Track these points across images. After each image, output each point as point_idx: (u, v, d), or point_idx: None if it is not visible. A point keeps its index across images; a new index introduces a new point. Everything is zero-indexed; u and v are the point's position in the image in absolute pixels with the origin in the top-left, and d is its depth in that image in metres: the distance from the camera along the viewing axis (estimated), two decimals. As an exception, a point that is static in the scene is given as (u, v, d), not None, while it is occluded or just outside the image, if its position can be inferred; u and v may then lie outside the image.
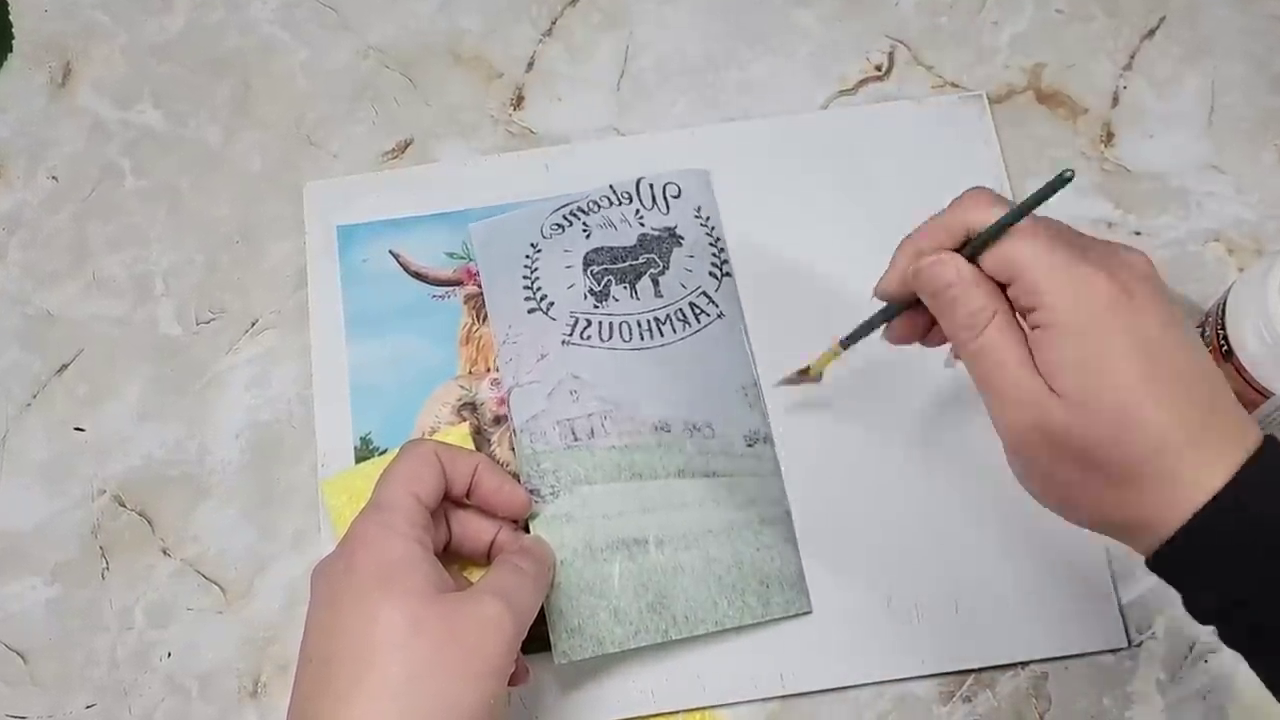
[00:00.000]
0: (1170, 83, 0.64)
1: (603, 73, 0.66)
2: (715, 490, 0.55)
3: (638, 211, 0.61)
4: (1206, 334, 0.51)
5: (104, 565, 0.57)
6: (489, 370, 0.58)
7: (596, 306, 0.59)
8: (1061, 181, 0.41)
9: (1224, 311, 0.50)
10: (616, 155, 0.63)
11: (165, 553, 0.57)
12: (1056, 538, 0.52)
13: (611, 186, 0.62)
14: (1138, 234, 0.61)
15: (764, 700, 0.54)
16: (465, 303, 0.60)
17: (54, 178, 0.65)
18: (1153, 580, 0.43)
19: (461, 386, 0.58)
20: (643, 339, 0.58)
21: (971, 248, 0.43)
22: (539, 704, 0.53)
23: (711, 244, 0.61)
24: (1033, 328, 0.42)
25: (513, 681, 0.47)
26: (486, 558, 0.52)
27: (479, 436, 0.57)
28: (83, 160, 0.65)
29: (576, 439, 0.56)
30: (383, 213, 0.62)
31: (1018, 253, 0.42)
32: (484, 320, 0.59)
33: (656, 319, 0.59)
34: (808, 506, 0.56)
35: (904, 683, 0.54)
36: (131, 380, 0.60)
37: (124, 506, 0.58)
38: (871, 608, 0.54)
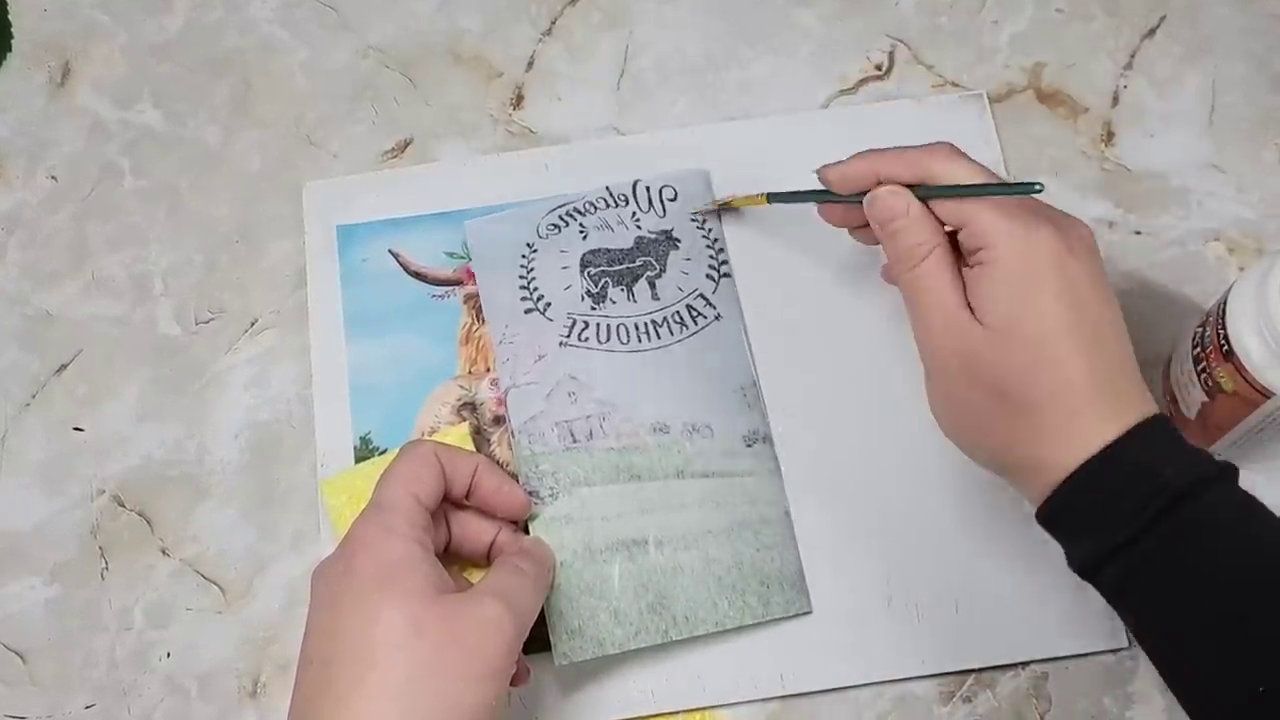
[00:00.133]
0: (1171, 82, 0.64)
1: (603, 72, 0.66)
2: (715, 490, 0.55)
3: (634, 214, 0.61)
4: (1207, 333, 0.51)
5: (103, 565, 0.57)
6: (489, 370, 0.58)
7: (594, 308, 0.59)
8: (1028, 187, 0.45)
9: (1224, 311, 0.50)
10: (616, 155, 0.63)
11: (164, 553, 0.57)
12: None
13: (608, 188, 0.62)
14: (1138, 233, 0.61)
15: (764, 700, 0.54)
16: (465, 302, 0.60)
17: (53, 177, 0.65)
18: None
19: (461, 386, 0.58)
20: (640, 341, 0.58)
21: (925, 191, 0.47)
22: (539, 704, 0.53)
23: (709, 245, 0.61)
24: (975, 265, 0.45)
25: (513, 682, 0.47)
26: (486, 559, 0.52)
27: (479, 436, 0.57)
28: (82, 160, 0.65)
29: (575, 441, 0.56)
30: (382, 212, 0.62)
31: (974, 207, 0.45)
32: (483, 320, 0.59)
33: (653, 321, 0.58)
34: (808, 506, 0.56)
35: (904, 683, 0.54)
36: (131, 380, 0.60)
37: (123, 506, 0.58)
38: (871, 608, 0.54)
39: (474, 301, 0.60)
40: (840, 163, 0.50)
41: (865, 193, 0.49)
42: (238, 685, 0.55)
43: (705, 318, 0.59)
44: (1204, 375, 0.52)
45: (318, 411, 0.58)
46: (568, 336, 0.58)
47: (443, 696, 0.42)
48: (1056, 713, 0.53)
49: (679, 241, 0.60)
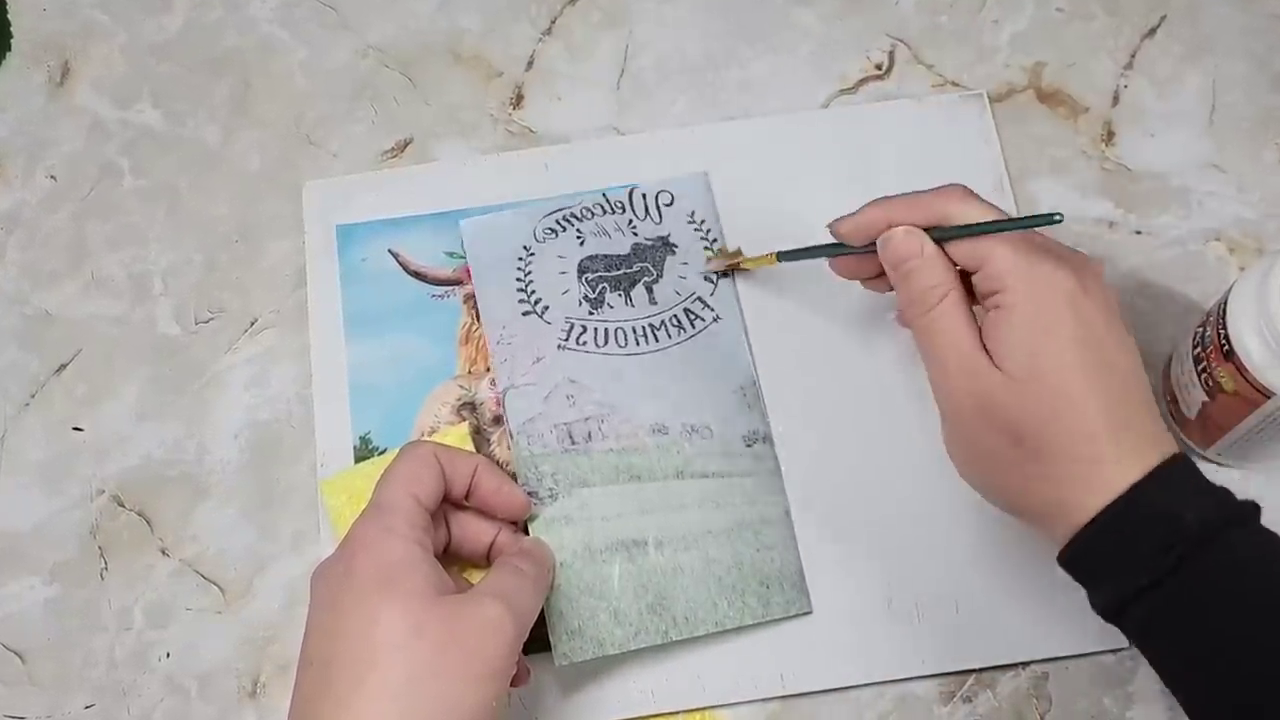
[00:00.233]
0: (1171, 82, 0.64)
1: (602, 72, 0.66)
2: (714, 491, 0.55)
3: (630, 221, 0.61)
4: (1207, 333, 0.51)
5: (103, 565, 0.57)
6: (488, 370, 0.58)
7: (591, 313, 0.59)
8: (1049, 220, 0.44)
9: (1225, 311, 0.50)
10: (616, 154, 0.63)
11: (164, 553, 0.57)
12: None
13: (605, 195, 0.61)
14: (1138, 233, 0.61)
15: (764, 700, 0.54)
16: (465, 302, 0.60)
17: (52, 177, 0.65)
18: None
19: (461, 386, 0.58)
20: (638, 344, 0.58)
21: (940, 233, 0.46)
22: (539, 705, 0.53)
23: (706, 248, 0.61)
24: (990, 309, 0.45)
25: (513, 683, 0.47)
26: (486, 559, 0.52)
27: (478, 436, 0.57)
28: (81, 160, 0.65)
29: (574, 443, 0.56)
30: (382, 212, 0.62)
31: (988, 245, 0.45)
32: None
33: (651, 325, 0.58)
34: (808, 506, 0.56)
35: (904, 683, 0.54)
36: (130, 380, 0.60)
37: (123, 506, 0.58)
38: (871, 608, 0.54)
39: (474, 301, 0.60)
40: (851, 214, 0.49)
41: (874, 244, 0.48)
42: (237, 685, 0.55)
43: (703, 320, 0.59)
44: (1204, 375, 0.52)
45: (317, 411, 0.58)
46: (565, 340, 0.58)
47: (443, 697, 0.42)
48: (1057, 713, 0.53)
49: (676, 246, 0.60)
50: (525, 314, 0.59)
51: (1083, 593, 0.44)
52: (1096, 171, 0.62)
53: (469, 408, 0.58)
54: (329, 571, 0.45)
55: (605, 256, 0.60)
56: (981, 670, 0.54)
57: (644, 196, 0.61)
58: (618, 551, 0.54)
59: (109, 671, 0.55)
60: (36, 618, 0.56)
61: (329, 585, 0.45)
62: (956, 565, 0.55)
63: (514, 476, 0.55)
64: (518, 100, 0.66)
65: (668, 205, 0.61)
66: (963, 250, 0.46)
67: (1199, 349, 0.52)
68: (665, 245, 0.60)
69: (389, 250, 0.61)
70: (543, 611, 0.51)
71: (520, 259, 0.60)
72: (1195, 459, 0.47)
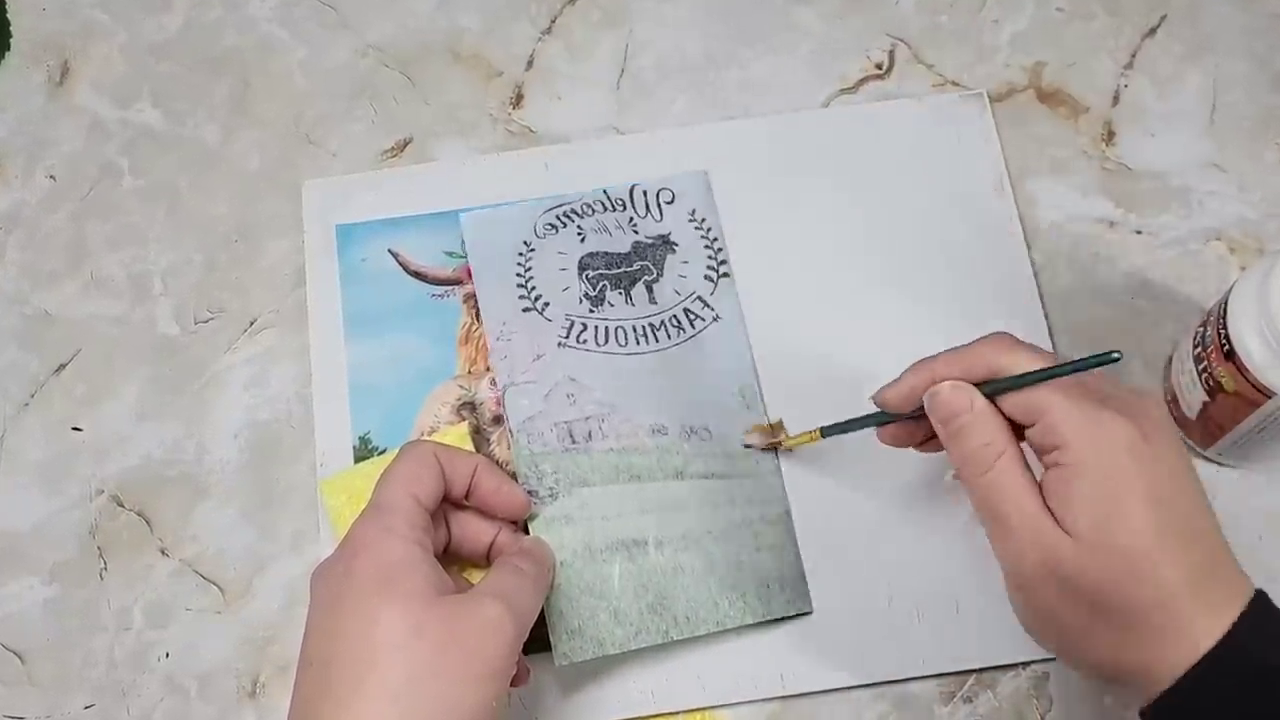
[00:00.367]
0: (1171, 81, 0.64)
1: (602, 71, 0.66)
2: (715, 491, 0.55)
3: (631, 219, 0.61)
4: (1208, 333, 0.51)
5: (102, 565, 0.57)
6: (488, 370, 0.58)
7: (592, 311, 0.59)
8: (1107, 359, 0.42)
9: (1225, 311, 0.50)
10: (616, 154, 0.63)
11: (164, 553, 0.57)
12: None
13: (605, 192, 0.61)
14: (1139, 233, 0.61)
15: (764, 700, 0.54)
16: (464, 302, 0.60)
17: (52, 177, 0.65)
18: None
19: (461, 386, 0.58)
20: (638, 344, 0.58)
21: (992, 387, 0.44)
22: (539, 705, 0.53)
23: (707, 246, 0.60)
24: (1051, 467, 0.42)
25: (513, 683, 0.47)
26: (486, 559, 0.52)
27: (478, 436, 0.57)
28: (81, 159, 0.65)
29: (574, 442, 0.56)
30: (382, 211, 0.62)
31: (1042, 396, 0.42)
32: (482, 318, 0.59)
33: (651, 325, 0.58)
34: (808, 506, 0.56)
35: (904, 683, 0.54)
36: (130, 380, 0.60)
37: (122, 506, 0.58)
38: (871, 608, 0.54)
39: (474, 301, 0.60)
40: (893, 382, 0.47)
41: (922, 408, 0.46)
42: (237, 685, 0.55)
43: (703, 320, 0.59)
44: (1205, 375, 0.52)
45: (317, 411, 0.58)
46: (566, 338, 0.58)
47: (443, 697, 0.42)
48: (1057, 713, 0.53)
49: (676, 245, 0.60)
50: (525, 310, 0.59)
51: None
52: (1097, 171, 0.62)
53: (469, 407, 0.58)
54: (329, 572, 0.45)
55: (606, 254, 0.60)
56: (982, 670, 0.54)
57: (645, 194, 0.61)
58: (618, 551, 0.54)
59: (108, 671, 0.55)
60: (36, 618, 0.56)
61: (329, 585, 0.45)
62: (956, 565, 0.54)
63: (514, 476, 0.55)
64: (517, 100, 0.66)
65: (669, 203, 0.61)
66: (1015, 403, 0.43)
67: (1199, 349, 0.52)
68: (666, 244, 0.60)
69: (389, 250, 0.61)
70: (543, 611, 0.51)
71: (520, 254, 0.60)
72: (1195, 459, 0.47)
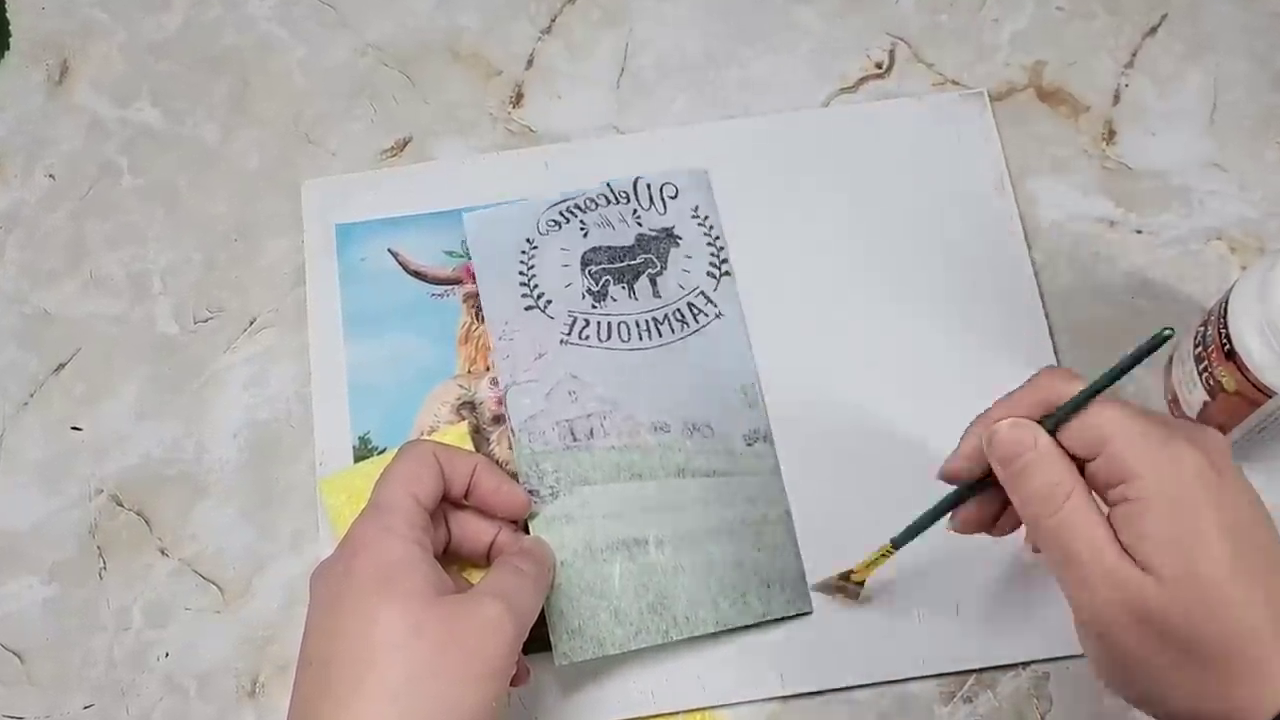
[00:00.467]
0: (1172, 80, 0.64)
1: (602, 70, 0.66)
2: (715, 490, 0.55)
3: (635, 212, 0.61)
4: (1208, 333, 0.51)
5: (101, 565, 0.57)
6: (488, 369, 0.58)
7: (594, 306, 0.59)
8: (1161, 340, 0.40)
9: (1226, 310, 0.50)
10: (616, 153, 0.63)
11: (163, 552, 0.57)
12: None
13: (609, 185, 0.61)
14: (1139, 232, 0.61)
15: (764, 700, 0.53)
16: (464, 301, 0.60)
17: (51, 176, 0.65)
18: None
19: (460, 385, 0.58)
20: (641, 339, 0.58)
21: (1054, 420, 0.42)
22: (539, 705, 0.53)
23: (710, 243, 0.60)
24: (1118, 502, 0.40)
25: (513, 683, 0.47)
26: (486, 559, 0.52)
27: (478, 436, 0.57)
28: (80, 158, 0.65)
29: (575, 439, 0.56)
30: (381, 211, 0.62)
31: (1105, 422, 0.41)
32: (482, 319, 0.59)
33: (654, 319, 0.58)
34: (808, 506, 0.56)
35: (904, 683, 0.54)
36: (129, 379, 0.60)
37: (122, 506, 0.58)
38: (871, 608, 0.54)
39: (473, 300, 0.60)
40: (954, 452, 0.45)
41: (988, 477, 0.44)
42: (236, 685, 0.55)
43: (706, 315, 0.59)
44: (1205, 374, 0.52)
45: (316, 411, 0.58)
46: (568, 334, 0.58)
47: (442, 697, 0.42)
48: (1058, 713, 0.53)
49: (680, 239, 0.60)
50: (528, 308, 0.59)
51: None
52: (1097, 170, 0.62)
53: (469, 407, 0.58)
54: (328, 571, 0.45)
55: (609, 248, 0.60)
56: (982, 670, 0.54)
57: (649, 186, 0.61)
58: (618, 550, 0.54)
59: (108, 671, 0.55)
60: (35, 617, 0.56)
61: (328, 585, 0.45)
62: (957, 565, 0.54)
63: (515, 475, 0.55)
64: (517, 99, 0.65)
65: (672, 198, 0.61)
66: (1076, 437, 0.41)
67: (1200, 348, 0.52)
68: (669, 237, 0.60)
69: (388, 249, 0.61)
70: (543, 611, 0.51)
71: (523, 252, 0.60)
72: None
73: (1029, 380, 0.44)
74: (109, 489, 0.58)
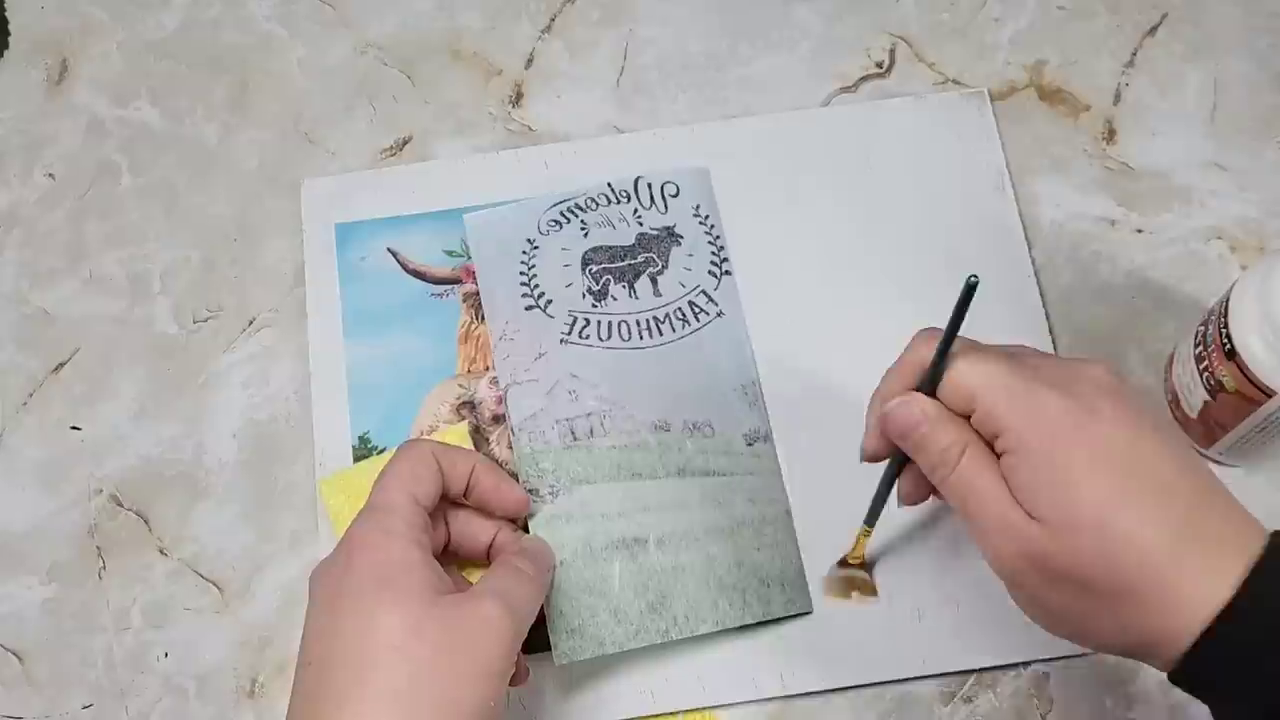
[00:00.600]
0: (1172, 80, 0.64)
1: (603, 70, 0.66)
2: (715, 489, 0.55)
3: (636, 210, 0.61)
4: (1209, 332, 0.51)
5: (100, 565, 0.57)
6: (488, 369, 0.58)
7: (595, 306, 0.58)
8: (969, 289, 0.41)
9: (1226, 310, 0.50)
10: (616, 153, 0.63)
11: (162, 552, 0.57)
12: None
13: (610, 184, 0.61)
14: (1140, 232, 0.61)
15: (764, 700, 0.53)
16: (464, 301, 0.60)
17: (50, 175, 0.64)
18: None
19: (460, 385, 0.58)
20: (641, 338, 0.58)
21: (926, 384, 0.43)
22: (539, 704, 0.53)
23: (711, 242, 0.60)
24: (1002, 454, 0.41)
25: (513, 682, 0.47)
26: (486, 558, 0.52)
27: (478, 435, 0.57)
28: (79, 158, 0.65)
29: (575, 439, 0.56)
30: (381, 210, 0.62)
31: (969, 380, 0.42)
32: (483, 319, 0.59)
33: (655, 318, 0.58)
34: (808, 506, 0.56)
35: (905, 683, 0.54)
36: (128, 379, 0.60)
37: (121, 506, 0.58)
38: (872, 608, 0.54)
39: (473, 300, 0.60)
40: (866, 433, 0.47)
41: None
42: (236, 685, 0.55)
43: (707, 314, 0.59)
44: (1206, 374, 0.52)
45: (316, 410, 0.58)
46: (569, 334, 0.58)
47: (442, 697, 0.42)
48: (1058, 713, 0.53)
49: (681, 238, 0.60)
50: (529, 308, 0.59)
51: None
52: (1098, 170, 0.62)
53: (468, 407, 0.58)
54: (327, 572, 0.45)
55: (609, 248, 0.60)
56: (982, 670, 0.54)
57: (650, 186, 0.61)
58: (618, 550, 0.53)
59: (107, 671, 0.55)
60: (34, 618, 0.56)
61: (327, 585, 0.45)
62: (957, 565, 0.54)
63: (514, 475, 0.55)
64: (517, 98, 0.65)
65: (673, 197, 0.61)
66: (950, 397, 0.43)
67: (1200, 348, 0.52)
68: (671, 235, 0.60)
69: (388, 249, 0.61)
70: (542, 611, 0.51)
71: (524, 252, 0.60)
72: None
73: (908, 346, 0.45)
74: (108, 489, 0.58)
